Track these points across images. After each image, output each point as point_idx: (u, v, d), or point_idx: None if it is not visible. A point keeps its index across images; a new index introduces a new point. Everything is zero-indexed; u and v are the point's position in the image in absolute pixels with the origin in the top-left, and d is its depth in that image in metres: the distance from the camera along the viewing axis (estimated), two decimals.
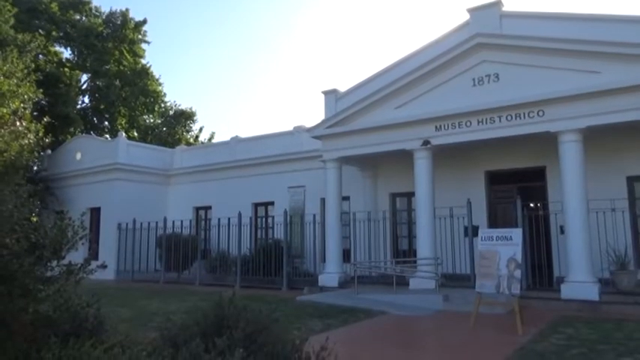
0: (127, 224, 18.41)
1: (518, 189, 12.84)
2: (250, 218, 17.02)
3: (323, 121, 14.08)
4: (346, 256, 14.37)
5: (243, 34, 59.89)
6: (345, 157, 13.87)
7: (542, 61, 10.82)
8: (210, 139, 34.11)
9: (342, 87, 14.64)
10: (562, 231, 10.95)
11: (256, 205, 18.81)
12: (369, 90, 13.29)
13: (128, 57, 30.58)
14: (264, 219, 18.49)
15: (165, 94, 33.31)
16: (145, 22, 31.46)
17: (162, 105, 33.25)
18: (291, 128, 18.38)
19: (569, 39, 10.44)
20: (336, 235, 13.71)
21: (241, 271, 15.49)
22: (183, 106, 34.24)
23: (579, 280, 10.02)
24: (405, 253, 14.67)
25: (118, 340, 3.55)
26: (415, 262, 12.41)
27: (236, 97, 58.86)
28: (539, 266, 11.13)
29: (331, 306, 10.52)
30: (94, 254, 18.80)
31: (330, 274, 13.46)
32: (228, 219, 16.00)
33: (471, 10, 12.33)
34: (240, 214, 15.81)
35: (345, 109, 13.62)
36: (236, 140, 20.15)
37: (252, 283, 15.14)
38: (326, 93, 14.69)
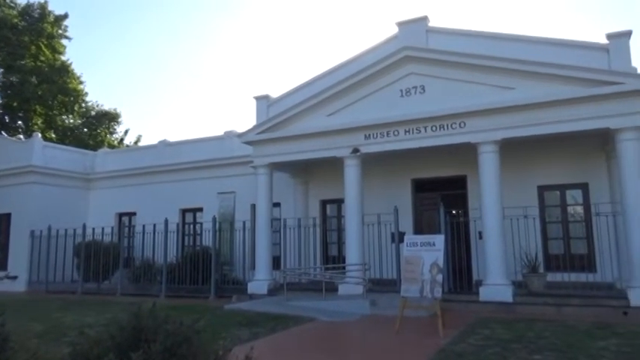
0: (41, 231, 17.17)
1: (442, 197, 13.43)
2: (178, 225, 16.48)
3: (254, 127, 13.97)
4: (276, 263, 14.30)
5: (172, 36, 58.24)
6: (276, 163, 13.83)
7: (464, 76, 11.43)
8: (136, 143, 32.70)
9: (274, 93, 14.63)
10: (480, 236, 11.58)
11: (184, 211, 18.25)
12: (301, 97, 13.39)
13: (46, 52, 28.63)
14: (192, 225, 17.97)
15: (86, 94, 31.54)
16: (66, 16, 29.68)
17: (83, 105, 31.42)
18: (221, 133, 18.05)
19: (489, 56, 11.11)
20: (266, 241, 13.61)
21: (167, 280, 14.93)
22: (107, 106, 32.59)
23: (496, 283, 10.64)
24: (335, 260, 14.84)
25: (24, 359, 3.26)
26: (344, 268, 12.59)
27: (165, 101, 57.02)
28: (460, 270, 11.68)
29: (260, 314, 10.40)
30: (1, 264, 17.33)
31: (259, 281, 13.31)
32: (154, 225, 15.39)
33: (400, 24, 12.80)
34: (166, 221, 15.26)
35: (277, 115, 13.60)
36: (164, 144, 19.47)
37: (178, 293, 14.63)
38: (258, 98, 14.60)
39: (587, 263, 11.86)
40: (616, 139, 10.23)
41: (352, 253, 12.35)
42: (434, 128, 11.69)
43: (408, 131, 11.96)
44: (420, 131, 11.84)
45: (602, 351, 6.65)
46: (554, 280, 11.10)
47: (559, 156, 12.59)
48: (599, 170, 12.31)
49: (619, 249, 10.99)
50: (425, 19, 12.55)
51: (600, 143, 11.98)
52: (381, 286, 12.13)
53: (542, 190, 12.91)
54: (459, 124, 11.42)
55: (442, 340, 7.50)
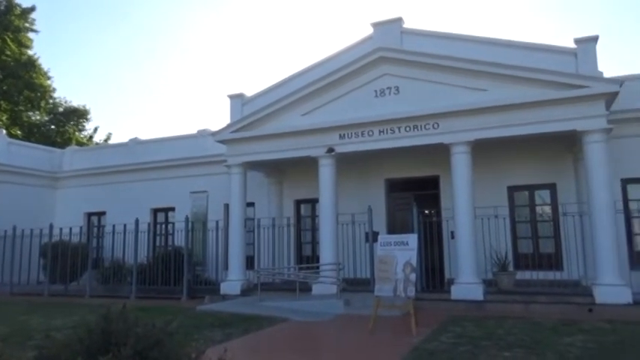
0: (5, 232, 16.58)
1: (415, 196, 13.56)
2: (149, 224, 16.17)
3: (228, 125, 13.83)
4: (250, 263, 14.20)
5: (146, 33, 57.17)
6: (250, 162, 13.73)
7: (437, 77, 11.58)
8: (106, 141, 31.92)
9: (249, 92, 14.50)
10: (452, 236, 11.76)
11: (156, 211, 17.94)
12: (276, 96, 13.32)
13: (12, 46, 27.67)
14: (164, 225, 17.66)
15: (54, 89, 30.61)
16: (33, 9, 28.74)
17: (51, 101, 30.50)
18: (194, 132, 17.81)
19: (462, 58, 11.28)
20: (239, 241, 13.49)
21: (138, 280, 14.62)
22: (76, 103, 31.68)
23: (467, 282, 10.82)
24: (309, 259, 14.82)
25: None
26: (318, 267, 12.59)
27: (137, 98, 55.93)
28: (432, 269, 11.84)
29: (233, 314, 10.30)
30: None
31: (232, 281, 13.19)
32: (124, 225, 15.06)
33: (375, 25, 12.87)
34: (137, 221, 14.96)
35: (252, 114, 13.51)
36: (135, 142, 19.08)
37: (149, 294, 14.35)
38: (232, 97, 14.45)
39: (554, 262, 12.17)
40: (583, 141, 10.52)
41: (326, 253, 12.37)
42: (408, 129, 11.80)
43: (383, 131, 12.04)
44: (394, 131, 11.93)
45: (568, 347, 6.83)
46: (523, 278, 11.35)
47: (528, 157, 12.88)
48: (566, 171, 12.65)
49: (585, 248, 11.33)
50: (399, 20, 12.66)
51: (568, 145, 12.31)
52: (355, 286, 12.18)
53: (512, 190, 13.19)
54: (433, 124, 11.56)
55: (415, 339, 7.56)
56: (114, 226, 15.59)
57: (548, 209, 13.00)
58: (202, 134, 17.22)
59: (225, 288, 13.15)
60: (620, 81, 10.23)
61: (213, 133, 14.31)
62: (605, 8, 50.33)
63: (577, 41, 10.94)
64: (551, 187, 12.85)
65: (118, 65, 55.11)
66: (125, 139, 20.14)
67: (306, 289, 12.13)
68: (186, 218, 14.73)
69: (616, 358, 6.21)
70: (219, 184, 15.69)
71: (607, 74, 10.75)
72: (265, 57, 65.49)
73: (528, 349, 6.75)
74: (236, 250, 13.46)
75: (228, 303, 11.94)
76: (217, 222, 14.41)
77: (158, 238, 17.49)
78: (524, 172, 12.97)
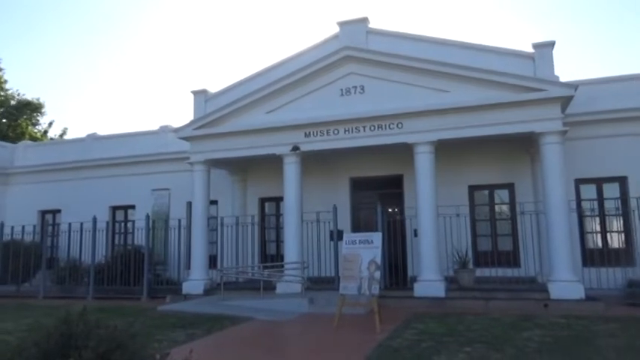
0: None
1: (379, 195, 13.70)
2: (107, 223, 15.69)
3: (191, 122, 13.57)
4: (213, 262, 13.99)
5: (106, 23, 55.34)
6: (213, 159, 13.52)
7: (402, 78, 11.73)
8: (61, 136, 30.69)
9: (213, 88, 14.26)
10: (416, 234, 11.95)
11: (115, 209, 17.42)
12: (241, 93, 13.16)
13: None
14: (123, 224, 17.16)
15: (6, 81, 29.23)
16: None
17: (2, 93, 29.09)
18: (156, 128, 17.37)
19: (426, 59, 11.47)
20: (202, 240, 13.27)
21: (95, 280, 14.16)
22: (30, 96, 30.33)
23: (429, 279, 11.02)
24: (273, 258, 14.74)
25: None
26: (282, 266, 12.53)
27: (96, 93, 54.08)
28: (396, 267, 12.00)
29: (196, 315, 10.12)
30: None
31: (195, 281, 12.96)
32: (81, 224, 14.55)
33: (341, 24, 12.90)
34: (94, 219, 14.48)
35: (216, 111, 13.30)
36: (92, 137, 18.43)
37: (107, 294, 13.93)
38: (195, 93, 14.17)
39: (512, 259, 12.59)
40: (540, 142, 10.90)
41: (291, 252, 12.33)
42: (372, 128, 11.91)
43: (348, 130, 12.11)
44: (359, 131, 12.01)
45: (526, 342, 7.06)
46: (483, 275, 11.67)
47: (488, 157, 13.23)
48: (524, 171, 13.08)
49: (541, 245, 11.74)
50: (365, 20, 12.73)
51: (526, 146, 12.71)
52: (320, 284, 12.19)
53: (472, 189, 13.53)
54: (397, 124, 11.71)
55: (379, 336, 7.64)
56: (70, 224, 15.06)
57: (506, 208, 13.41)
58: (164, 130, 16.83)
59: (187, 288, 12.91)
60: (575, 85, 10.65)
61: (176, 130, 14.00)
62: (563, 15, 52.39)
63: (535, 46, 11.31)
64: (510, 187, 13.25)
65: (74, 59, 53.16)
66: (82, 135, 19.45)
67: (270, 288, 12.06)
68: (147, 216, 14.37)
69: (571, 351, 6.45)
70: (181, 181, 15.38)
71: (563, 78, 11.16)
72: (230, 54, 64.68)
73: (488, 344, 6.93)
74: (199, 248, 13.24)
75: (190, 303, 11.72)
76: (180, 220, 14.12)
77: (117, 236, 16.99)
78: (485, 172, 13.32)
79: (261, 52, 64.89)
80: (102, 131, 19.68)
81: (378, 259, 8.72)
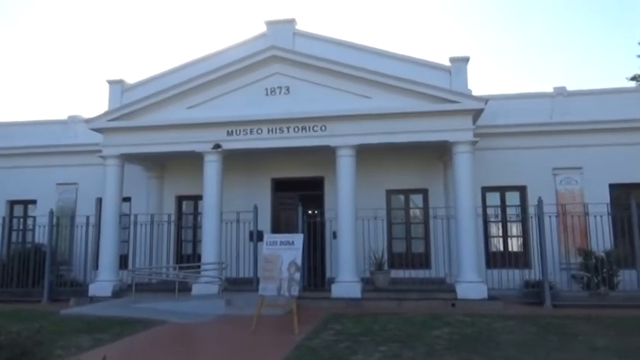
0: None
1: (300, 197, 13.77)
2: (4, 218, 14.31)
3: (105, 113, 12.79)
4: (124, 262, 13.27)
5: (8, 8, 50.38)
6: (128, 154, 12.86)
7: (327, 81, 11.90)
8: None
9: (130, 79, 13.52)
10: (335, 236, 12.17)
11: (12, 204, 15.92)
12: (162, 85, 12.61)
13: None
14: (22, 220, 15.72)
15: None
16: None
17: None
18: (64, 117, 16.10)
19: (350, 65, 11.72)
20: (112, 238, 12.54)
21: None
22: None
23: (346, 280, 11.27)
24: (190, 258, 14.26)
25: None
26: (199, 267, 12.18)
27: None
28: (315, 268, 12.13)
29: (103, 318, 9.53)
30: None
31: (103, 282, 12.20)
32: None
33: (268, 23, 12.82)
34: None
35: (133, 103, 12.64)
36: None
37: (2, 297, 12.67)
38: (111, 83, 13.35)
39: (424, 261, 13.23)
40: (452, 151, 11.57)
41: (208, 252, 12.02)
42: (296, 129, 11.96)
43: (272, 130, 12.06)
44: (283, 131, 12.01)
45: (436, 339, 7.45)
46: (397, 277, 12.16)
47: (405, 163, 13.79)
48: (437, 178, 13.80)
49: (450, 248, 12.45)
50: (293, 21, 12.77)
51: (439, 154, 13.42)
52: (238, 286, 12.01)
53: (389, 193, 14.04)
54: (321, 127, 11.86)
55: (297, 337, 7.68)
56: None
57: (419, 212, 14.06)
58: (74, 120, 15.65)
59: (94, 289, 12.12)
60: (485, 99, 11.44)
61: (88, 120, 13.11)
62: (477, 31, 56.02)
63: (451, 60, 12.00)
64: (424, 192, 13.92)
65: None
66: None
67: (185, 289, 11.67)
68: (51, 212, 13.32)
69: (475, 347, 6.90)
70: (91, 175, 14.42)
71: (475, 92, 11.94)
72: (152, 45, 61.75)
73: (402, 342, 7.23)
74: (108, 247, 12.48)
75: (97, 306, 11.01)
76: (88, 217, 13.24)
77: (15, 233, 15.54)
78: (401, 177, 13.88)
79: (185, 45, 62.70)
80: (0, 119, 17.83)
81: (299, 261, 8.76)
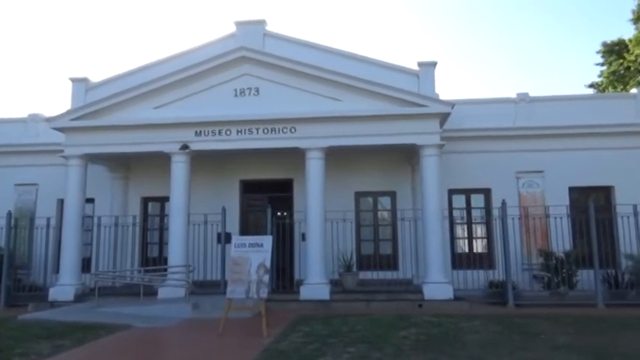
0: None
1: (269, 199, 13.69)
2: None
3: (68, 112, 12.41)
4: (87, 265, 12.90)
5: None
6: (92, 154, 12.53)
7: (297, 83, 11.91)
8: None
9: (95, 78, 13.15)
10: (304, 238, 12.17)
11: None
12: (127, 84, 12.33)
13: None
14: None
15: None
16: None
17: None
18: (25, 115, 15.51)
19: (320, 67, 11.76)
20: (74, 241, 12.16)
21: None
22: None
23: (315, 282, 11.28)
24: (155, 261, 13.94)
25: None
26: (166, 270, 11.95)
27: None
28: (283, 270, 12.09)
29: (64, 324, 9.21)
30: None
31: (64, 286, 11.81)
32: None
33: (238, 24, 12.73)
34: None
35: (98, 102, 12.30)
36: None
37: None
38: (74, 80, 12.96)
39: (392, 262, 13.38)
40: (420, 154, 11.75)
41: (175, 254, 11.81)
42: (266, 131, 11.91)
43: (241, 131, 11.97)
44: (252, 133, 11.94)
45: (403, 340, 7.54)
46: (366, 278, 12.26)
47: (374, 166, 13.92)
48: (405, 180, 13.97)
49: (417, 250, 12.63)
50: (263, 22, 12.73)
51: (407, 157, 13.61)
52: (205, 289, 11.85)
53: (358, 196, 14.13)
54: (290, 129, 11.84)
55: (266, 340, 7.63)
56: None
57: (387, 215, 14.21)
58: (34, 119, 15.09)
59: (54, 294, 11.72)
60: (452, 103, 11.67)
61: (49, 119, 12.67)
62: (445, 35, 57.11)
63: (420, 64, 12.20)
64: (392, 195, 14.07)
65: None
66: None
67: (151, 293, 11.43)
68: (9, 214, 12.82)
69: (441, 347, 7.02)
70: (52, 176, 13.96)
71: (442, 96, 12.16)
72: (119, 43, 60.27)
73: (370, 343, 7.28)
74: (70, 250, 12.10)
75: (58, 311, 10.64)
76: (49, 219, 12.80)
77: None
78: (370, 179, 13.99)
79: (154, 44, 61.50)
80: None
81: (268, 263, 8.71)
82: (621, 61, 23.49)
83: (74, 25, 57.07)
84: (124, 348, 7.65)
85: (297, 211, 12.93)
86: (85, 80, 12.94)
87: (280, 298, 11.17)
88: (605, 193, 13.51)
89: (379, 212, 14.25)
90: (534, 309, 10.59)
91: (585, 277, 11.64)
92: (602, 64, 25.20)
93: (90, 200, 13.64)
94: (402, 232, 12.96)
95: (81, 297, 11.72)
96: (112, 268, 12.91)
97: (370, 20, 59.56)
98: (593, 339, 7.58)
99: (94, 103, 12.32)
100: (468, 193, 13.89)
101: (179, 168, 12.10)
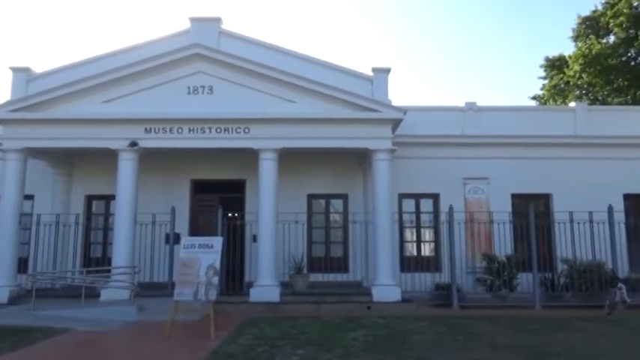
0: None
1: (221, 199, 13.49)
2: None
3: (7, 103, 11.75)
4: (24, 265, 12.22)
5: None
6: (33, 148, 11.91)
7: (252, 83, 11.82)
8: None
9: (38, 68, 12.53)
10: (255, 239, 12.07)
11: None
12: (74, 77, 11.79)
13: None
14: None
15: None
16: None
17: None
18: None
19: (275, 68, 11.73)
20: (10, 240, 11.50)
21: None
22: None
23: (265, 284, 11.23)
24: (99, 262, 13.41)
25: None
26: (109, 271, 11.51)
27: None
28: (233, 272, 11.93)
29: None
30: None
31: None
32: None
33: (193, 20, 12.49)
34: None
35: (40, 93, 11.70)
36: None
37: None
38: (15, 70, 12.29)
39: (342, 265, 13.51)
40: (372, 159, 11.95)
41: (120, 255, 11.41)
42: (219, 130, 11.74)
43: (193, 130, 11.74)
44: (204, 132, 11.74)
45: (352, 341, 7.63)
46: (316, 280, 12.31)
47: (327, 168, 14.01)
48: (357, 183, 14.13)
49: (367, 252, 12.82)
50: (219, 20, 12.55)
51: (359, 160, 13.78)
52: (152, 290, 11.49)
53: (310, 198, 14.17)
54: (244, 129, 11.74)
55: (214, 343, 7.52)
56: None
57: (339, 217, 14.34)
58: None
59: None
60: (404, 110, 11.94)
61: None
62: (399, 42, 58.32)
63: (374, 70, 12.42)
64: (344, 197, 14.21)
65: None
66: None
67: (93, 295, 10.97)
68: None
69: (389, 348, 7.16)
70: None
71: (395, 102, 12.42)
72: (67, 37, 57.55)
73: (319, 345, 7.31)
74: (5, 249, 11.43)
75: None
76: None
77: None
78: (323, 182, 14.07)
79: (105, 38, 59.16)
80: None
81: (217, 264, 8.60)
82: (562, 75, 24.87)
83: (20, 14, 54.04)
84: (62, 353, 7.29)
85: (249, 212, 12.80)
86: (26, 70, 12.30)
87: (230, 300, 11.03)
88: (544, 200, 14.22)
89: (331, 215, 14.36)
90: (477, 310, 10.99)
91: (525, 280, 12.18)
92: (545, 78, 26.60)
93: (29, 197, 12.95)
94: (353, 235, 13.12)
95: (16, 299, 11.10)
96: (52, 268, 12.31)
97: (327, 25, 60.03)
98: (531, 339, 7.95)
99: (37, 95, 11.71)
100: (417, 197, 14.23)
101: (127, 166, 11.71)
